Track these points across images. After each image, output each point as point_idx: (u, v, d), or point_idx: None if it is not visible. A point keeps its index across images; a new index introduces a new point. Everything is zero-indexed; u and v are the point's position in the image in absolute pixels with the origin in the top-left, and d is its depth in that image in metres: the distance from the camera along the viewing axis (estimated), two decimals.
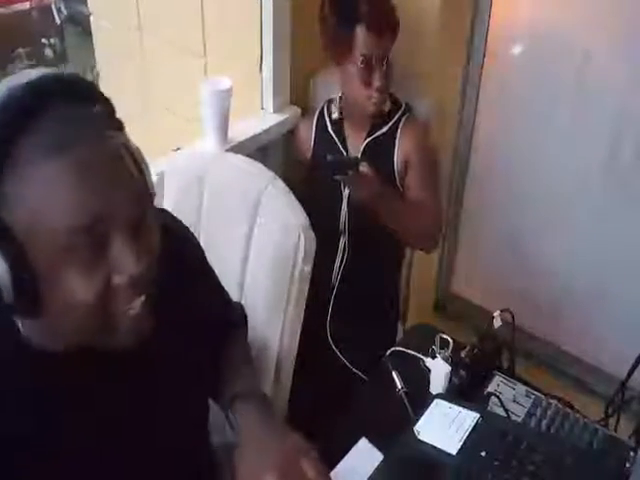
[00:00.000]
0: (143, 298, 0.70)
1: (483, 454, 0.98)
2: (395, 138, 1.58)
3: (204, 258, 1.06)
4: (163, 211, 1.01)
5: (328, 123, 1.65)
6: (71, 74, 0.69)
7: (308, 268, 1.26)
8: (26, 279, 0.64)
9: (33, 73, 0.66)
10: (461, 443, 1.01)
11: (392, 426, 1.07)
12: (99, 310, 0.68)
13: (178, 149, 1.61)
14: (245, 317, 1.18)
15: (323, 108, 1.68)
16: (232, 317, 1.15)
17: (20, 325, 0.73)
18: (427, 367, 1.20)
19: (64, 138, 0.63)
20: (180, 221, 1.00)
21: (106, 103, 0.71)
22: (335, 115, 1.64)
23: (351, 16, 1.46)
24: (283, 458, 0.81)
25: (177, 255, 0.87)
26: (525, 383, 1.21)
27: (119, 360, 0.75)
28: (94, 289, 0.66)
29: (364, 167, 1.39)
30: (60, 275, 0.65)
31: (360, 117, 1.59)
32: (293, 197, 1.29)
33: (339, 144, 1.63)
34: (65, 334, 0.73)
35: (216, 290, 1.12)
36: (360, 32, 1.46)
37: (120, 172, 0.67)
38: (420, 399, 1.13)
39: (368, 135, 1.60)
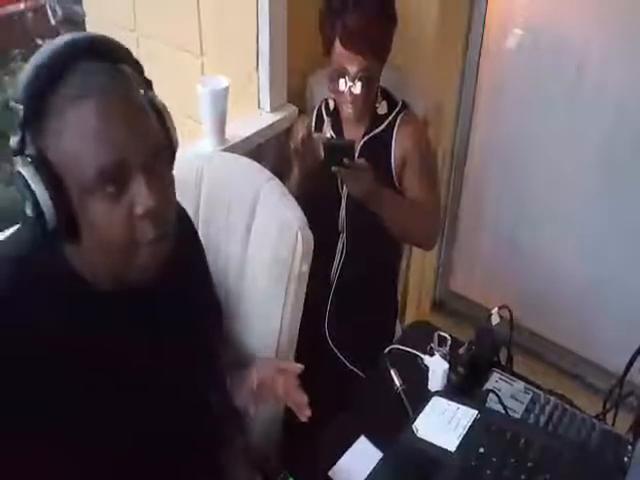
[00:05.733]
0: (161, 232, 0.79)
1: (482, 451, 0.99)
2: (392, 136, 1.58)
3: (202, 251, 1.10)
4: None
5: (326, 122, 1.65)
6: (102, 36, 0.79)
7: (305, 267, 1.26)
8: (64, 207, 0.74)
9: (67, 36, 0.76)
10: (460, 440, 1.01)
11: (391, 424, 1.08)
12: (124, 239, 0.77)
13: None
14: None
15: (321, 107, 1.68)
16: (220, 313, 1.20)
17: (65, 252, 0.82)
18: (425, 364, 1.21)
19: (86, 89, 0.73)
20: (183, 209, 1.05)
21: (134, 64, 0.81)
22: (332, 106, 1.64)
23: (334, 25, 1.47)
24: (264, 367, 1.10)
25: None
26: (523, 379, 1.22)
27: (138, 301, 0.85)
28: (118, 219, 0.76)
29: (360, 161, 1.40)
30: (89, 208, 0.75)
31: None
32: (290, 197, 1.29)
33: None
34: (99, 264, 0.82)
35: (210, 285, 1.14)
36: (337, 44, 1.47)
37: (140, 123, 0.77)
38: (418, 396, 1.14)
39: (365, 134, 1.60)
